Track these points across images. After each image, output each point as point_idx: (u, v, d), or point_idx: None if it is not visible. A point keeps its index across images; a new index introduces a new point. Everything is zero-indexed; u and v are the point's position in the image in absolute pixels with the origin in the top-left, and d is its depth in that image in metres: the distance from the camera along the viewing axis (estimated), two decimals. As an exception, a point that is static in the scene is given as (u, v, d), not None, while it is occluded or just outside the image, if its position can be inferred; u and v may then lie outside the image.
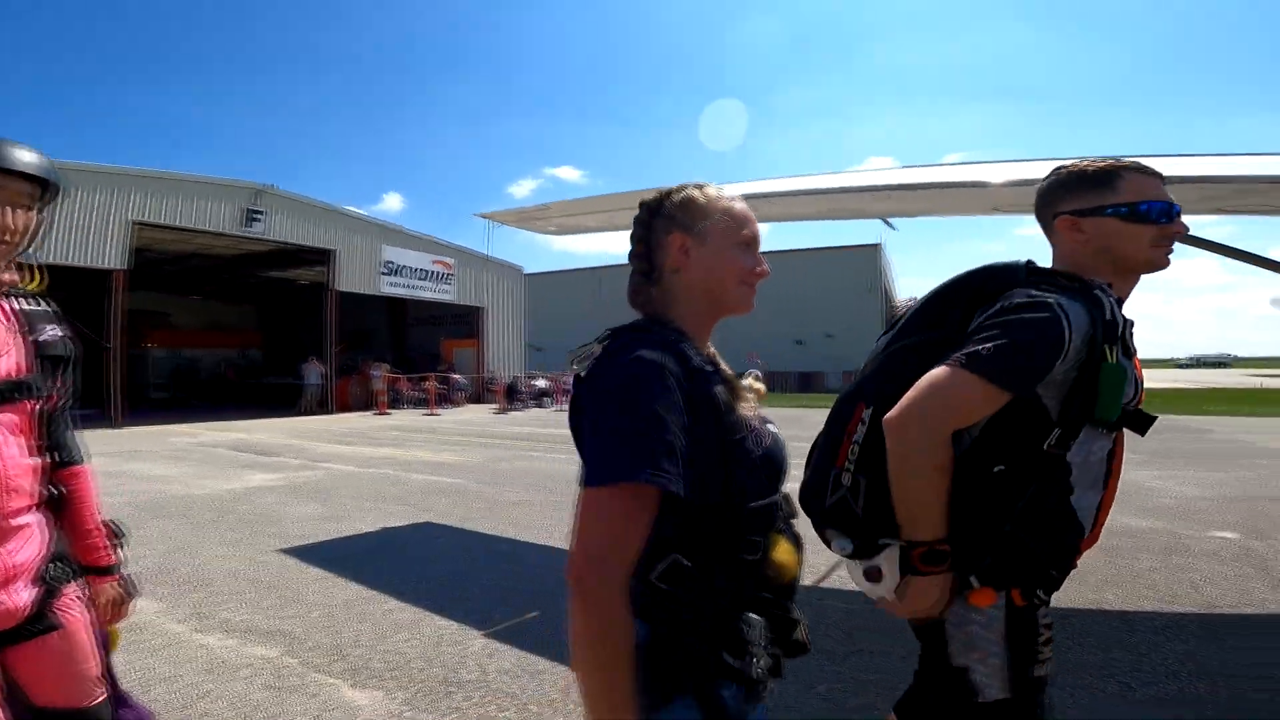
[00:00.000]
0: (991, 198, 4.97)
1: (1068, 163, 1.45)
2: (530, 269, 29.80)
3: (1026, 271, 1.36)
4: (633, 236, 1.17)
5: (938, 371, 1.25)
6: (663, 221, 1.14)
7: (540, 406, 22.81)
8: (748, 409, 1.09)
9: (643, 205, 1.17)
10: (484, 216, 12.21)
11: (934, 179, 4.89)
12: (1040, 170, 5.04)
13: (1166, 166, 4.43)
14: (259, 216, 18.50)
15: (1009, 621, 1.31)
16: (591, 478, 0.97)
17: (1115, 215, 1.36)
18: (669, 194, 1.15)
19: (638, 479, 0.93)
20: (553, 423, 17.28)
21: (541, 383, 24.26)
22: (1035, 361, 1.23)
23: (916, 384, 1.25)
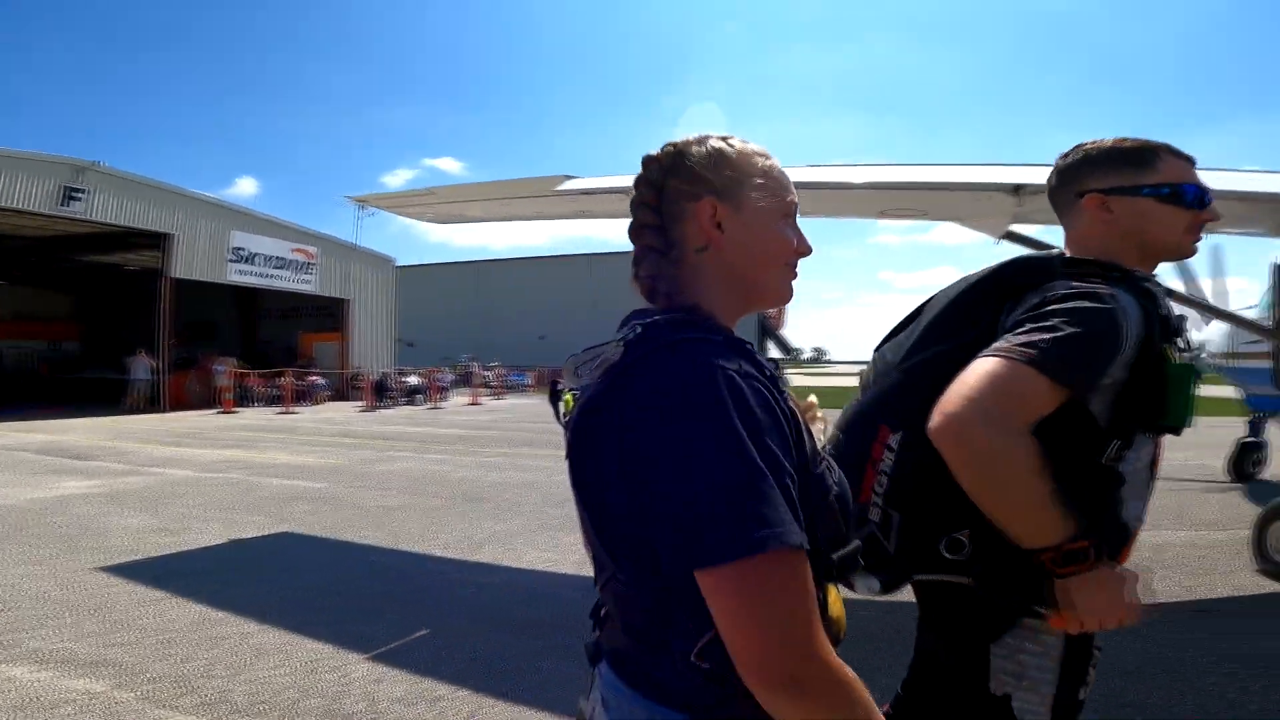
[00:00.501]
0: (881, 201, 5.11)
1: (1091, 140, 1.33)
2: (404, 261, 28.35)
3: (1062, 262, 1.23)
4: (637, 203, 0.89)
5: (987, 365, 1.05)
6: (684, 183, 0.87)
7: (412, 404, 21.66)
8: (819, 433, 0.87)
9: (651, 162, 0.89)
10: (355, 200, 11.24)
11: (838, 179, 4.95)
12: (919, 175, 5.08)
13: (1018, 176, 4.63)
14: (79, 195, 16.43)
15: (1067, 647, 1.18)
16: (719, 548, 0.68)
17: (1153, 196, 1.25)
18: (689, 146, 0.88)
19: (786, 542, 0.69)
20: (427, 420, 16.42)
21: (414, 379, 23.09)
22: (1095, 356, 1.08)
23: (960, 382, 1.05)
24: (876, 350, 1.38)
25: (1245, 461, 7.50)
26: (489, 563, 4.75)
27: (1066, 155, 1.34)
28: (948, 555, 1.18)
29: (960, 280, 1.29)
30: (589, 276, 47.71)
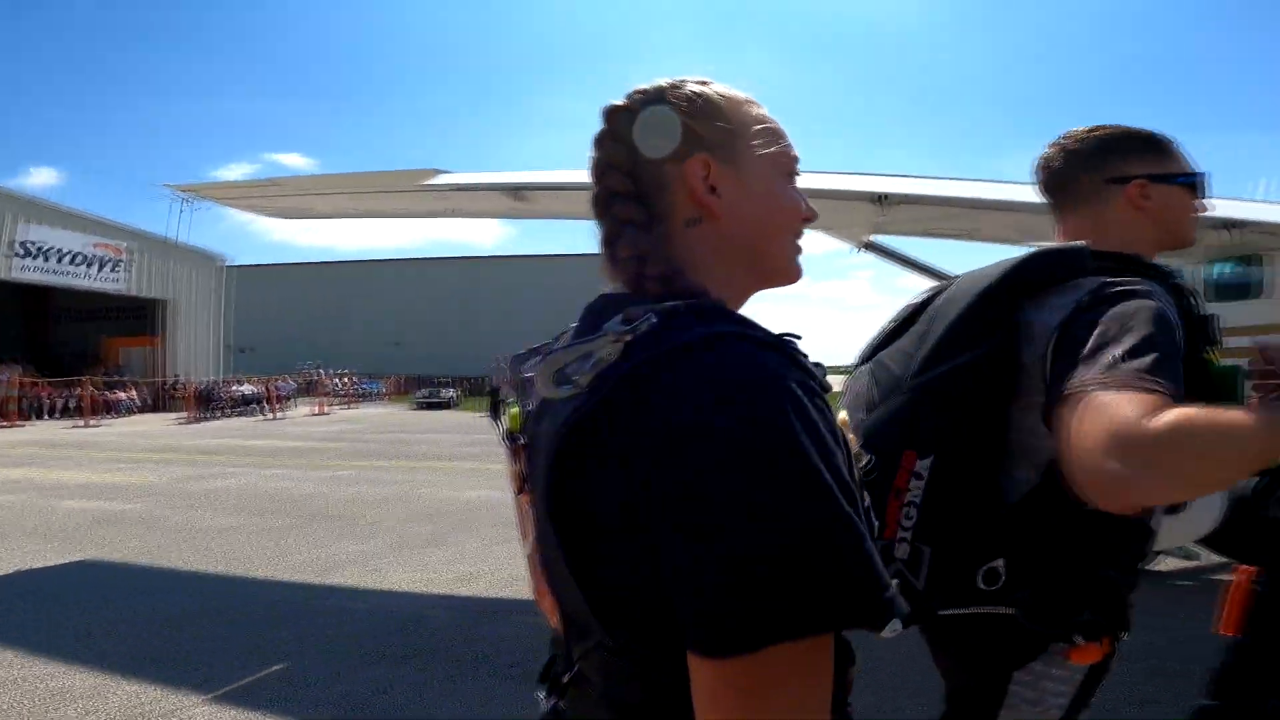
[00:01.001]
0: None
1: (1092, 125, 1.27)
2: (239, 260, 25.89)
3: (1092, 255, 1.11)
4: (604, 166, 0.71)
5: (1110, 401, 0.86)
6: (656, 140, 0.70)
7: (245, 415, 19.64)
8: (856, 452, 0.72)
9: (620, 112, 0.71)
10: (179, 189, 10.31)
11: None
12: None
13: (881, 185, 4.87)
14: None
15: (1090, 672, 1.11)
16: (765, 627, 0.50)
17: (1183, 185, 1.21)
18: (665, 93, 0.71)
19: (899, 611, 0.52)
20: (265, 433, 14.90)
21: (247, 388, 21.00)
22: (1178, 362, 0.94)
23: (1084, 437, 0.86)
24: (870, 359, 1.23)
25: None
26: (350, 586, 4.27)
27: (1080, 138, 1.26)
28: (984, 587, 1.07)
29: (972, 279, 1.16)
30: (453, 280, 46.06)
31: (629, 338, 0.57)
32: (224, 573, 4.51)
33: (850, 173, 5.28)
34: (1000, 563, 1.07)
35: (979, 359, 1.06)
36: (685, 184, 0.68)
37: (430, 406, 25.23)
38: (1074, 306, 1.01)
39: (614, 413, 0.56)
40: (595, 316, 0.66)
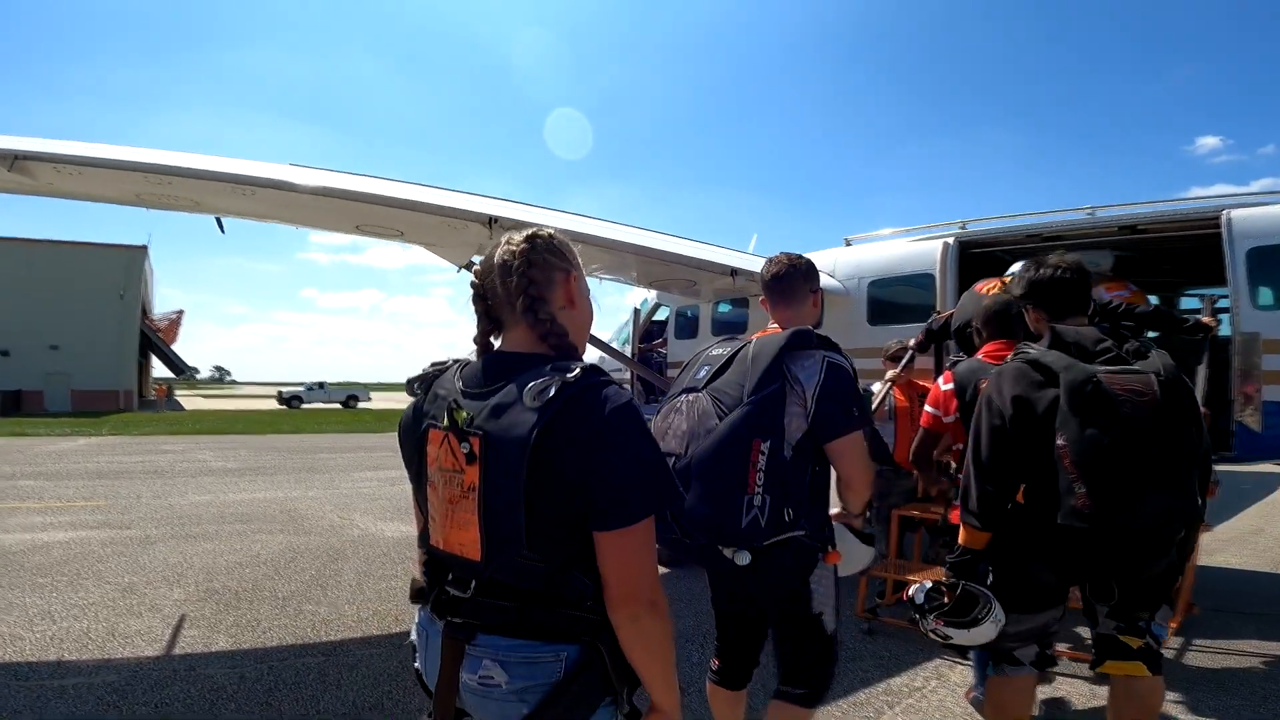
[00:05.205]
0: (360, 215, 4.70)
1: (797, 254, 2.19)
2: None
3: (816, 336, 1.95)
4: (526, 265, 1.23)
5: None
6: (558, 259, 1.28)
7: None
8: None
9: (536, 238, 1.27)
10: None
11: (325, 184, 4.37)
12: (400, 191, 4.85)
13: (493, 209, 5.01)
14: None
15: (834, 570, 2.02)
16: (639, 509, 1.11)
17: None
18: (552, 235, 1.29)
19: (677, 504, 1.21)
20: None
21: None
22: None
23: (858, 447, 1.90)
24: (701, 389, 1.92)
25: None
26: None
27: (800, 260, 2.15)
28: (787, 520, 1.80)
29: (766, 343, 1.93)
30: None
31: (570, 377, 1.11)
32: None
33: (467, 193, 5.24)
34: (789, 504, 1.80)
35: (779, 388, 1.84)
36: (565, 286, 1.27)
37: None
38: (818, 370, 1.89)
39: (562, 415, 1.09)
40: (508, 364, 1.19)
